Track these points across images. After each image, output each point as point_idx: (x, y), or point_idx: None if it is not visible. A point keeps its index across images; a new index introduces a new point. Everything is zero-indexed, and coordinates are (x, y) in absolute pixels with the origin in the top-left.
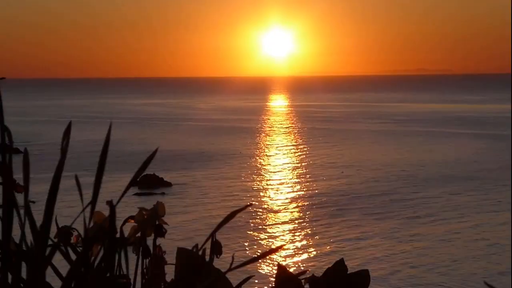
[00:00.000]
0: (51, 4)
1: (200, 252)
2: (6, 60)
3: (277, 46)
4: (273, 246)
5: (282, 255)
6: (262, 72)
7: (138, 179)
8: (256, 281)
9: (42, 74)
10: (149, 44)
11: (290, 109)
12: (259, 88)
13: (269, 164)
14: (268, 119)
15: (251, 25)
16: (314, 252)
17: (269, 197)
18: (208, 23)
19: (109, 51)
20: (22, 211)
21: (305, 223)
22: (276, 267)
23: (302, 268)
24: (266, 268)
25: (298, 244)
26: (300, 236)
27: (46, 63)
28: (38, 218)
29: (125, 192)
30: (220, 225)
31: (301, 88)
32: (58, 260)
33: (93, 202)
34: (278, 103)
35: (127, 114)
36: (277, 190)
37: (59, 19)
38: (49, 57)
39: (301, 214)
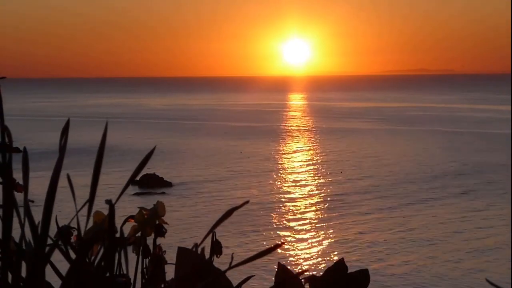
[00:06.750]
0: (60, 2)
1: (199, 251)
2: (6, 60)
3: (296, 54)
4: (272, 244)
5: (282, 255)
6: (282, 72)
7: (137, 178)
8: (256, 280)
9: (45, 74)
10: (184, 47)
11: (293, 108)
12: (276, 88)
13: (269, 164)
14: (271, 118)
15: (272, 35)
16: (314, 251)
17: (269, 196)
18: (234, 33)
19: (152, 51)
20: (21, 211)
21: (304, 222)
22: (276, 266)
23: (302, 267)
24: (266, 267)
25: (298, 243)
26: (300, 235)
27: (61, 63)
28: (38, 217)
29: (124, 190)
30: (219, 223)
31: (305, 87)
32: (58, 259)
33: (91, 201)
34: (285, 102)
35: (132, 113)
36: (277, 189)
37: (66, 18)
38: (56, 57)
39: (301, 213)
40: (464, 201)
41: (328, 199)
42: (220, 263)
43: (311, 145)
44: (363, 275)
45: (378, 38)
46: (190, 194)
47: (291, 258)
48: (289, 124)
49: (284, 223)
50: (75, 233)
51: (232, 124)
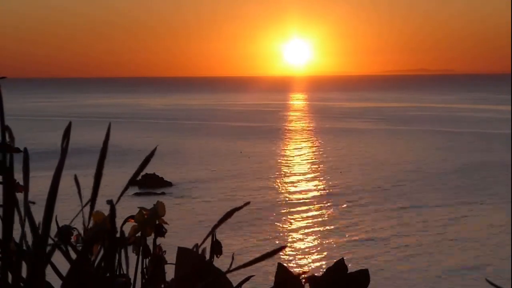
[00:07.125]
0: (59, 2)
1: (200, 251)
2: (6, 60)
3: (296, 54)
4: (273, 246)
5: (281, 255)
6: (282, 73)
7: (138, 178)
8: (256, 280)
9: (45, 74)
10: (184, 47)
11: (294, 108)
12: (277, 88)
13: (269, 164)
14: (271, 118)
15: (272, 35)
16: (314, 251)
17: (269, 196)
18: (234, 33)
19: (158, 53)
20: (22, 210)
21: (304, 222)
22: (276, 266)
23: (302, 267)
24: (267, 267)
25: (299, 243)
26: (300, 235)
27: (61, 63)
28: (39, 218)
29: (124, 190)
30: (219, 224)
31: (305, 87)
32: (58, 259)
33: (93, 201)
34: (285, 102)
35: (131, 114)
36: (277, 189)
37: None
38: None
39: (301, 213)
40: (464, 201)
41: (328, 199)
42: (220, 263)
43: (311, 145)
44: (363, 275)
45: (378, 38)
46: (190, 194)
47: (290, 258)
48: (289, 124)
49: (284, 223)
50: (75, 233)
51: (232, 124)
